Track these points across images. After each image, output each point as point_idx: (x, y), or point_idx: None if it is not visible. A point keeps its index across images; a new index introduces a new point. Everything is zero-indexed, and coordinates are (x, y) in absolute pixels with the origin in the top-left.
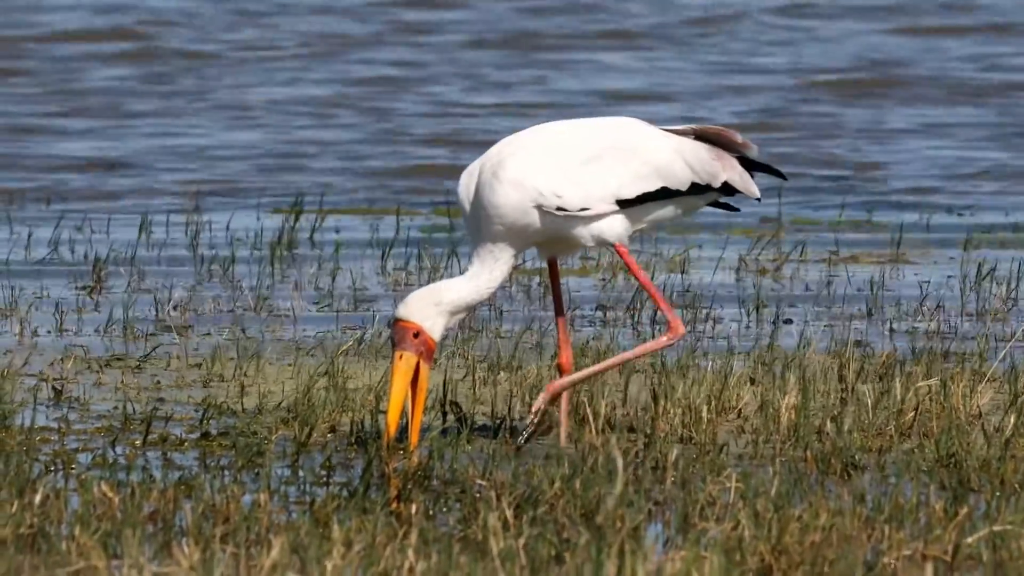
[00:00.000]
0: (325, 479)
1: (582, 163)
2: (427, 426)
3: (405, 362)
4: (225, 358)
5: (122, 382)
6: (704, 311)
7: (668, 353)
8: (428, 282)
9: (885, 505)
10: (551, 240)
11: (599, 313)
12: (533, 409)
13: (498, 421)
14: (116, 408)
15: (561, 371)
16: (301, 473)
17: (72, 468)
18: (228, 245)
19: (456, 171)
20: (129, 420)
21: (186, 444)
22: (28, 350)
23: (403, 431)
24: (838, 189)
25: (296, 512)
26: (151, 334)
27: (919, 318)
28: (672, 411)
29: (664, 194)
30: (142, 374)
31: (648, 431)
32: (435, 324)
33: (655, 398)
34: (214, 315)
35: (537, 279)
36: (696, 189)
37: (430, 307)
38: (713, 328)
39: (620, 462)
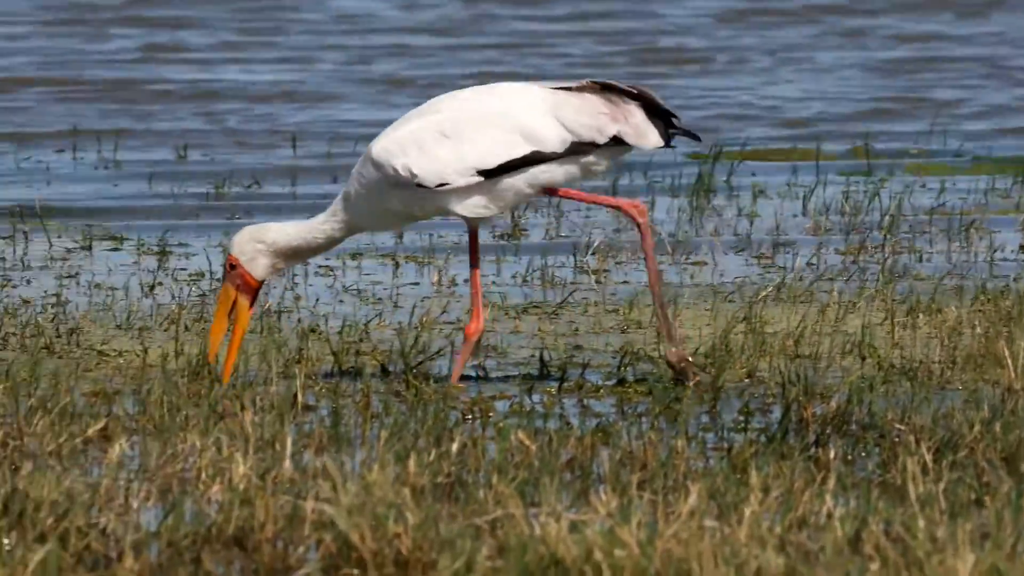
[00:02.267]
0: (743, 425)
1: (440, 137)
2: (845, 370)
3: (223, 293)
4: (642, 304)
5: (539, 329)
6: None
7: None
8: (848, 227)
9: None
10: (422, 215)
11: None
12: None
13: (916, 365)
14: (533, 356)
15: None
16: (719, 419)
17: (489, 416)
18: (647, 190)
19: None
20: (546, 367)
21: (603, 391)
22: (446, 298)
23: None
24: None
25: (713, 458)
26: (569, 281)
27: None
28: None
29: (536, 158)
30: (559, 321)
31: None
32: (255, 261)
33: None
34: (631, 261)
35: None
36: (578, 148)
37: (252, 243)
38: None
39: None
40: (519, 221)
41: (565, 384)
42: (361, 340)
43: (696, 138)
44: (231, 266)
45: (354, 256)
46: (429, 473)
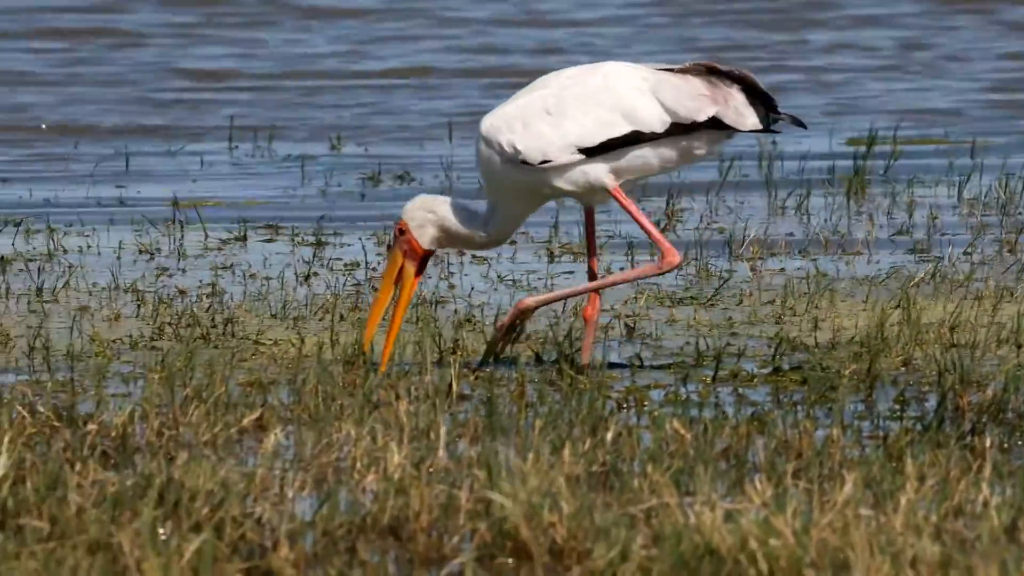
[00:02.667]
0: (898, 413)
1: (544, 114)
2: (1001, 359)
3: (391, 258)
4: (798, 293)
5: (694, 318)
6: None
7: None
8: (1005, 214)
9: None
10: (545, 194)
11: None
12: (497, 326)
13: None
14: (688, 344)
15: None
16: (874, 408)
17: (644, 405)
18: (801, 180)
19: None
20: (701, 356)
21: (757, 379)
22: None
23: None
24: None
25: (869, 447)
26: (724, 270)
27: None
28: None
29: (638, 138)
30: (714, 310)
31: None
32: (423, 229)
33: None
34: (787, 250)
35: None
36: (679, 129)
37: (423, 211)
38: None
39: None
40: (674, 210)
41: (720, 373)
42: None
43: (801, 124)
44: (400, 231)
45: (510, 244)
46: (584, 462)
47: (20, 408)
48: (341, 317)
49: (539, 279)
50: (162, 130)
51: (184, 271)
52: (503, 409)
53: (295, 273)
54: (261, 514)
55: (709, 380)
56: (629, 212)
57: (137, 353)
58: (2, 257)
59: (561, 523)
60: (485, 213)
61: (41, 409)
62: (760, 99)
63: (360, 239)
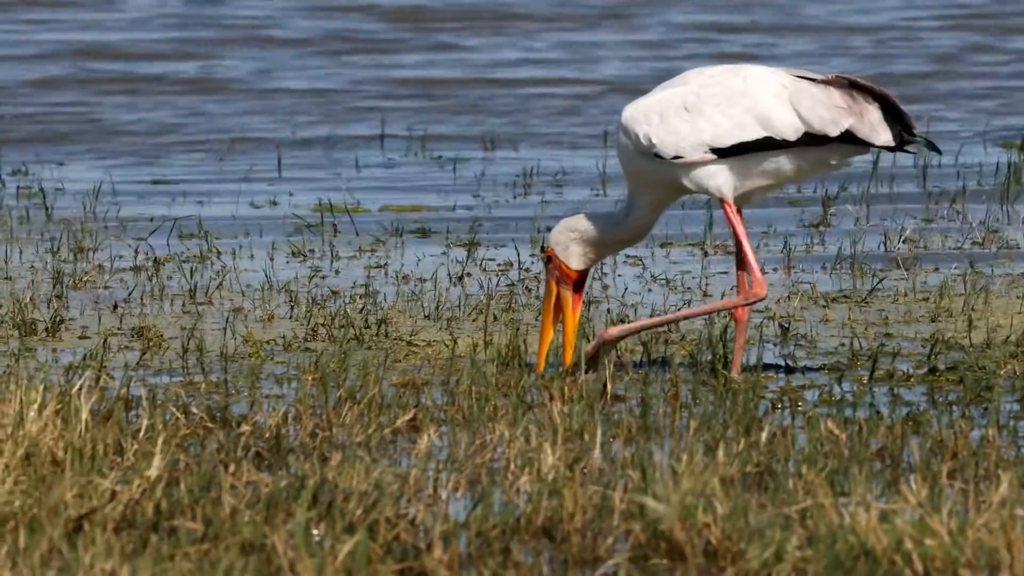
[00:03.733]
0: None
1: (681, 110)
2: None
3: (547, 288)
4: (953, 293)
5: (849, 318)
6: None
7: None
8: None
9: None
10: (679, 188)
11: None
12: (584, 353)
13: None
14: (843, 344)
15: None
16: None
17: (799, 405)
18: (956, 178)
19: None
20: (856, 356)
21: (913, 379)
22: None
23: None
24: None
25: None
26: (879, 269)
27: None
28: None
29: (769, 144)
30: (869, 309)
31: None
32: (569, 251)
33: None
34: (942, 249)
35: None
36: (811, 139)
37: (565, 233)
38: None
39: None
40: (828, 208)
41: (875, 373)
42: (669, 330)
43: (936, 149)
44: (548, 258)
45: (663, 245)
46: (738, 463)
47: (174, 409)
48: (495, 318)
49: (693, 278)
50: (316, 139)
51: (337, 272)
52: (657, 410)
53: (448, 274)
54: (415, 515)
55: (864, 380)
56: (733, 228)
57: (291, 354)
58: (156, 259)
59: (715, 524)
60: (624, 206)
61: (195, 410)
62: (897, 118)
63: (513, 240)
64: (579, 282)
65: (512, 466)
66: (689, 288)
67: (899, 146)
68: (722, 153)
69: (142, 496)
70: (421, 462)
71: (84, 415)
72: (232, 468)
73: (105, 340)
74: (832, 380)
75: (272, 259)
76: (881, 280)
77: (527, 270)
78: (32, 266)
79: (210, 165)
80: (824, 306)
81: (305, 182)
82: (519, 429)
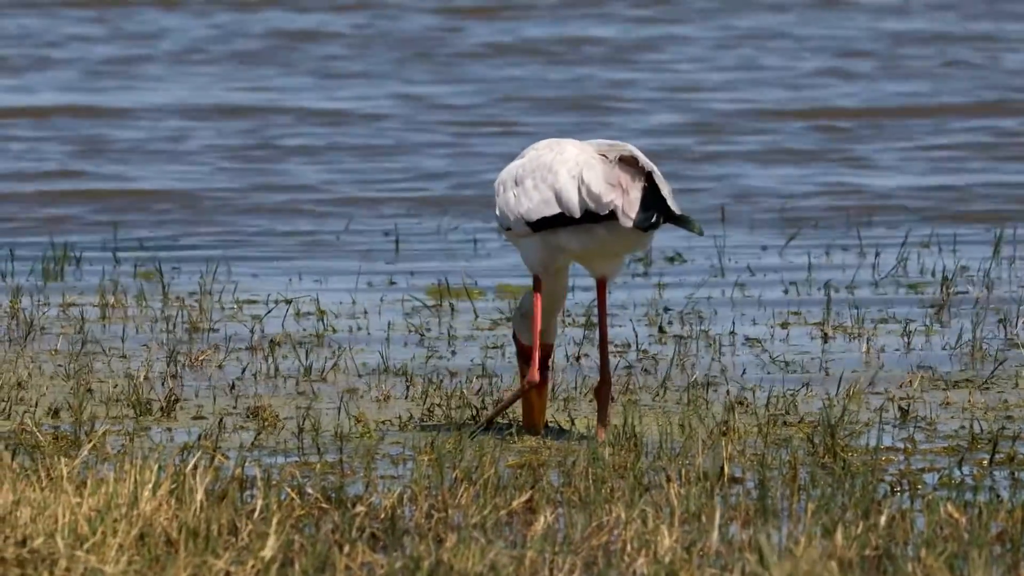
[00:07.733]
0: None
1: (515, 183)
2: None
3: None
4: None
5: (969, 401)
6: None
7: None
8: None
9: None
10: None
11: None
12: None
13: None
14: (962, 427)
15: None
16: None
17: (918, 488)
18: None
19: None
20: (976, 439)
21: None
22: (874, 369)
23: None
24: None
25: None
26: (999, 351)
27: None
28: None
29: (566, 220)
30: (989, 393)
31: None
32: (520, 326)
33: None
34: None
35: None
36: (591, 217)
37: (518, 310)
38: None
39: None
40: (948, 289)
41: (995, 456)
42: (788, 411)
43: (699, 232)
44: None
45: (783, 326)
46: (856, 546)
47: (289, 490)
48: (612, 399)
49: (812, 359)
50: (443, 203)
51: (454, 352)
52: (775, 492)
53: (565, 354)
54: None
55: (984, 463)
56: (534, 308)
57: (406, 434)
58: (272, 339)
59: None
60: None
61: (310, 491)
62: (655, 202)
63: (631, 320)
64: (536, 358)
65: (628, 548)
66: (808, 370)
67: (645, 227)
68: (533, 227)
69: None
70: (537, 544)
71: (199, 495)
72: (347, 549)
73: (220, 420)
74: (952, 463)
75: (388, 338)
76: (1001, 363)
77: (644, 351)
78: (146, 345)
79: (326, 237)
80: (944, 389)
81: (423, 258)
82: (635, 511)
